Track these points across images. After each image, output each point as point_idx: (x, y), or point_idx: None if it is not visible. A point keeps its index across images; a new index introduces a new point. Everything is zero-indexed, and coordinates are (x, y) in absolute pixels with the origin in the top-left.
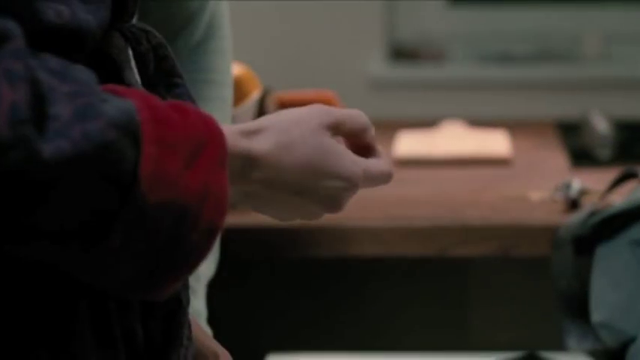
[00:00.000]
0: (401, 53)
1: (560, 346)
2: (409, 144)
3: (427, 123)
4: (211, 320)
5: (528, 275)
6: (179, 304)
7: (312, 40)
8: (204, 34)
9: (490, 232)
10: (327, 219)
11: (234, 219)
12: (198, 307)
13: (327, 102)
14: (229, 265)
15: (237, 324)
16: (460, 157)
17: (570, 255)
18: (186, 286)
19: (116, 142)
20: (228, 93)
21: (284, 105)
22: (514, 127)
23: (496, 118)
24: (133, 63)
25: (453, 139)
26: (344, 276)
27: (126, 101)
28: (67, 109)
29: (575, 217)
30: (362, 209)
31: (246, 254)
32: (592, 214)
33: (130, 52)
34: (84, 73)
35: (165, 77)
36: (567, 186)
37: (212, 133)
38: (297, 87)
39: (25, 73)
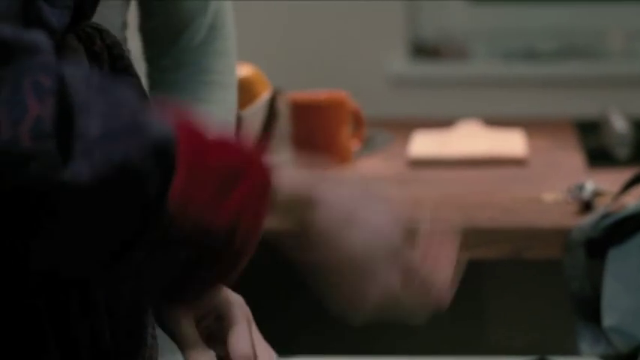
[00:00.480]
0: (422, 50)
1: (573, 350)
2: (423, 144)
3: (449, 121)
4: None
5: (541, 278)
6: (143, 305)
7: (333, 38)
8: (206, 36)
9: (501, 234)
10: None
11: None
12: None
13: (340, 102)
14: None
15: None
16: (474, 158)
17: (582, 258)
18: None
19: (142, 166)
20: (231, 95)
21: (297, 105)
22: (534, 125)
23: (517, 116)
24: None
25: (469, 139)
26: None
27: (165, 124)
28: (96, 128)
29: (588, 220)
30: None
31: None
32: (604, 216)
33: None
34: (127, 91)
35: (120, 77)
36: (580, 187)
37: (251, 163)
38: (317, 86)
39: (54, 87)
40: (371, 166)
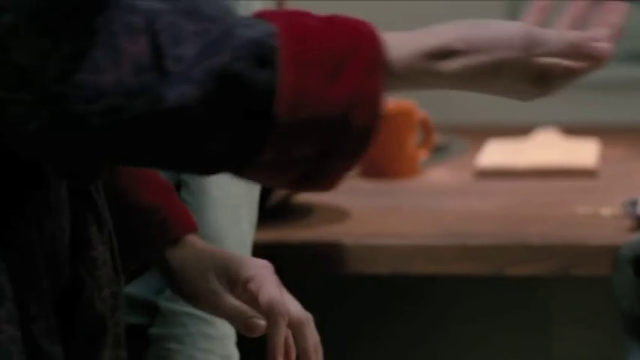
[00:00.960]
0: None
1: None
2: (494, 154)
3: (529, 128)
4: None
5: (591, 296)
6: (103, 326)
7: None
8: None
9: (550, 250)
10: (384, 235)
11: (299, 234)
12: (225, 330)
13: (407, 112)
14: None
15: None
16: (541, 169)
17: (631, 276)
18: (115, 307)
19: (244, 69)
20: None
21: None
22: (616, 133)
23: (601, 122)
24: None
25: (541, 149)
26: (400, 293)
27: (264, 25)
28: (192, 49)
29: (637, 237)
30: (418, 224)
31: (300, 270)
32: None
33: None
34: (215, 6)
35: None
36: (633, 203)
37: (362, 39)
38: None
39: (144, 24)
40: (437, 176)
